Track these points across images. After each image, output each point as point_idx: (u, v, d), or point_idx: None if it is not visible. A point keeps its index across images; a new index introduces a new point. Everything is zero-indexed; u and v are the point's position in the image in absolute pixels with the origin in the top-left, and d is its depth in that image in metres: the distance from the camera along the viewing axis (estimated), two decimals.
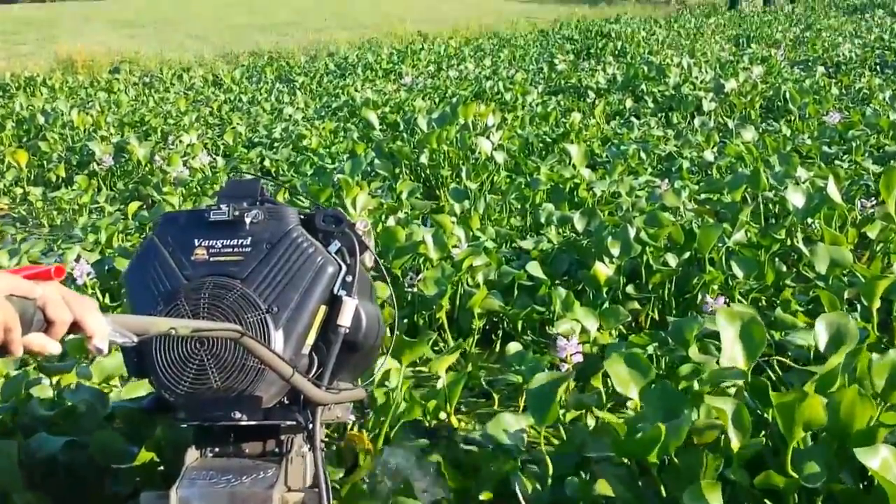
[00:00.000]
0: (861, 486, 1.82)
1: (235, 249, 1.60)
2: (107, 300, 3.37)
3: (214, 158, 6.08)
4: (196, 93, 10.35)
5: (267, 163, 5.97)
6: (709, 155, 5.09)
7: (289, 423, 1.60)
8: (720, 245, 3.26)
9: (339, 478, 2.17)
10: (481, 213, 4.15)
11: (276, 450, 1.64)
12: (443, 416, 2.55)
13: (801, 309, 2.89)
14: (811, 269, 3.27)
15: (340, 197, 4.08)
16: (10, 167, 6.03)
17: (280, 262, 1.59)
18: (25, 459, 2.04)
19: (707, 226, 3.22)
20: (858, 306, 2.86)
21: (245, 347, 1.44)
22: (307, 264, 1.59)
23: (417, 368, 2.91)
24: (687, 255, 3.27)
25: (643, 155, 5.37)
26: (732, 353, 2.02)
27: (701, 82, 8.23)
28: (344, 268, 1.64)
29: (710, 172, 4.99)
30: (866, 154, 5.05)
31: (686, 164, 4.99)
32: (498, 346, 3.12)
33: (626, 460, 1.99)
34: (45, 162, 6.17)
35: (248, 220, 1.62)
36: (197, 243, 1.61)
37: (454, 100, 7.46)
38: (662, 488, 1.90)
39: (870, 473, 1.70)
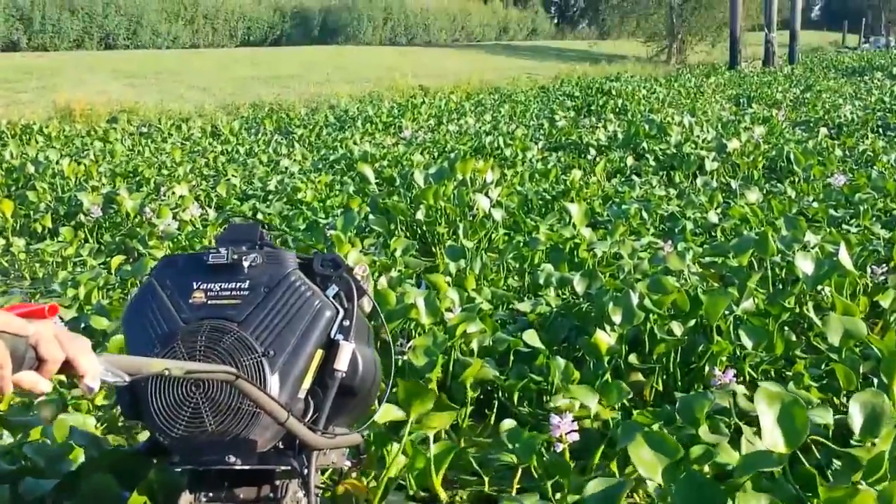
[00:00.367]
0: None
1: (233, 293, 1.60)
2: None
3: (206, 211, 5.93)
4: (193, 143, 10.28)
5: (259, 216, 5.83)
6: (713, 216, 4.95)
7: (284, 468, 1.59)
8: (727, 313, 3.09)
9: None
10: (477, 273, 3.99)
11: (271, 495, 1.62)
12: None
13: (814, 384, 2.70)
14: (823, 341, 3.10)
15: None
16: None
17: (277, 306, 1.58)
18: (16, 503, 2.01)
19: (714, 293, 3.05)
20: (875, 381, 2.69)
21: (239, 390, 1.44)
22: (304, 308, 1.59)
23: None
24: (692, 322, 3.10)
25: (645, 214, 5.23)
26: (773, 438, 1.86)
27: (703, 141, 8.14)
28: (341, 312, 1.63)
29: (714, 234, 4.85)
30: (874, 218, 4.91)
31: (689, 226, 4.85)
32: (493, 418, 2.92)
33: None
34: (31, 212, 6.02)
35: (246, 264, 1.62)
36: (195, 286, 1.62)
37: (453, 154, 7.36)
38: None
39: None
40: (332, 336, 1.61)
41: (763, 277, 3.62)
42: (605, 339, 2.92)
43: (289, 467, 1.58)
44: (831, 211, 4.98)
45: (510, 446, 2.36)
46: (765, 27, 26.92)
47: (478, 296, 3.56)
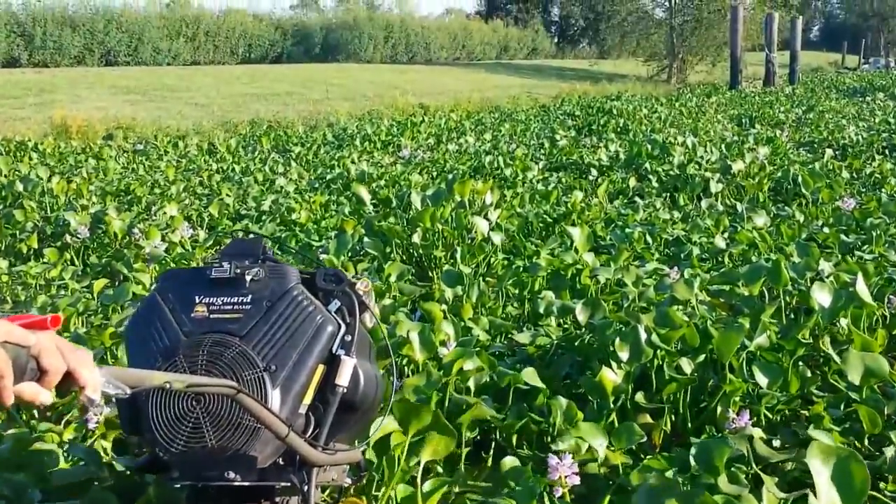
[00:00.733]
0: None
1: (235, 307, 1.60)
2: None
3: (197, 232, 5.76)
4: (189, 161, 10.12)
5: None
6: (720, 241, 4.77)
7: (284, 484, 1.57)
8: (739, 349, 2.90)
9: None
10: (474, 302, 3.81)
11: None
12: None
13: (836, 428, 2.51)
14: (841, 378, 2.92)
15: None
16: None
17: (279, 321, 1.58)
18: None
19: (726, 328, 2.86)
20: None
21: (240, 404, 1.43)
22: (306, 323, 1.59)
23: None
24: (702, 357, 2.92)
25: (649, 239, 5.06)
26: (830, 498, 1.69)
27: (707, 162, 7.98)
28: (343, 327, 1.63)
29: (721, 259, 4.67)
30: (886, 244, 4.73)
31: (696, 251, 4.68)
32: (490, 460, 2.73)
33: None
34: (17, 231, 5.84)
35: (248, 278, 1.62)
36: (197, 300, 1.61)
37: (451, 175, 7.20)
38: None
39: None
40: (333, 351, 1.61)
41: (775, 309, 3.44)
42: (611, 377, 2.74)
43: (289, 484, 1.57)
44: (842, 236, 4.80)
45: (512, 485, 2.19)
46: (765, 47, 26.89)
47: (475, 326, 3.39)
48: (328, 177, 8.26)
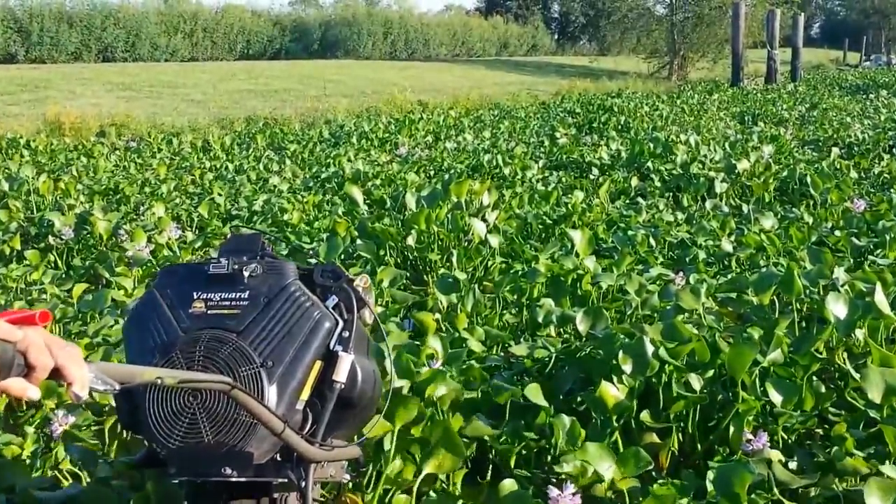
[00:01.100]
0: None
1: (233, 303, 1.60)
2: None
3: (185, 233, 5.57)
4: (182, 159, 9.93)
5: None
6: (726, 244, 4.59)
7: (281, 480, 1.58)
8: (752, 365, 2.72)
9: None
10: (469, 310, 3.63)
11: None
12: None
13: (860, 454, 2.34)
14: (860, 395, 2.74)
15: None
16: None
17: (277, 316, 1.58)
18: None
19: (738, 343, 2.68)
20: None
21: (235, 400, 1.44)
22: (304, 319, 1.59)
23: None
24: (711, 372, 2.74)
25: (653, 242, 4.87)
26: None
27: (710, 161, 7.80)
28: (341, 323, 1.63)
29: (727, 263, 4.49)
30: None
31: (702, 255, 4.50)
32: (488, 477, 2.54)
33: None
34: (0, 233, 5.65)
35: (246, 274, 1.62)
36: (195, 296, 1.62)
37: (447, 175, 7.02)
38: None
39: None
40: (331, 347, 1.60)
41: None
42: (613, 392, 2.55)
43: (286, 480, 1.57)
44: (854, 240, 4.62)
45: None
46: (767, 44, 26.70)
47: (470, 336, 3.20)
48: (323, 175, 8.07)
